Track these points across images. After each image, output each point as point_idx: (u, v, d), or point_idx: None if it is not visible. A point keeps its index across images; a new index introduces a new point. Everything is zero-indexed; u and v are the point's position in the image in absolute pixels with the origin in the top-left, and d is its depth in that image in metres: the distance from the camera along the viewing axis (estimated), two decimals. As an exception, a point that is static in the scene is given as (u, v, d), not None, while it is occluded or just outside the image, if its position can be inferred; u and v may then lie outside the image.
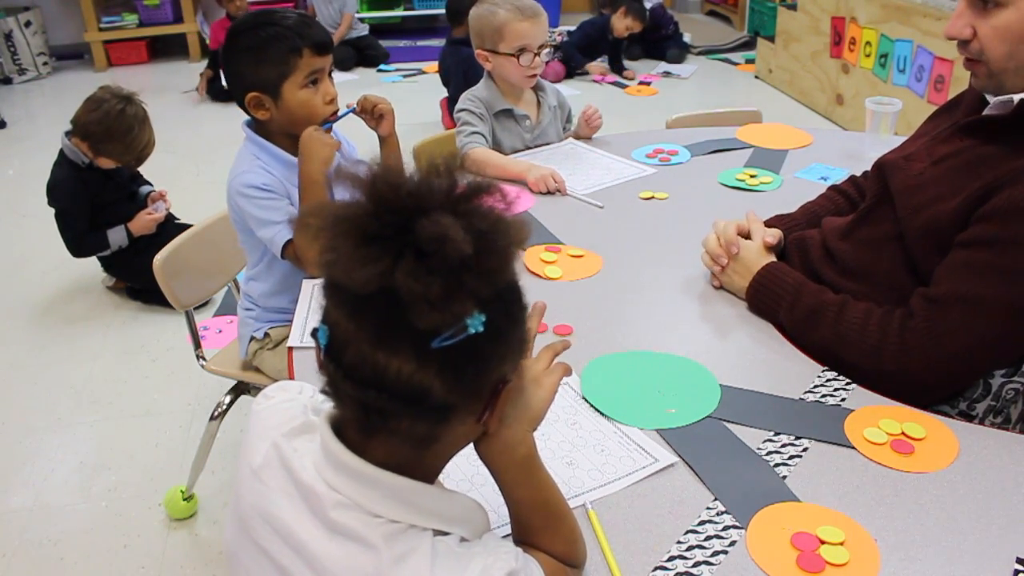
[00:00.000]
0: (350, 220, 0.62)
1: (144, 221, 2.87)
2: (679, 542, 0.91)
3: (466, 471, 1.02)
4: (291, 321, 1.38)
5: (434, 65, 5.04)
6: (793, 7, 5.04)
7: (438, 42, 6.36)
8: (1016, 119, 1.16)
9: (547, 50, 2.03)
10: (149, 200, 2.96)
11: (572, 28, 5.74)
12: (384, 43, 6.17)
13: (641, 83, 5.43)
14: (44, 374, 2.57)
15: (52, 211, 2.85)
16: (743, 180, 1.87)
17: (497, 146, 2.07)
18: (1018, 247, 1.11)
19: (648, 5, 5.71)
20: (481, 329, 0.63)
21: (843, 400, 1.14)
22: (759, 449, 1.05)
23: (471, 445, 0.79)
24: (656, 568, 0.88)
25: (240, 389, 1.89)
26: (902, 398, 1.15)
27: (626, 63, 5.68)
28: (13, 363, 2.64)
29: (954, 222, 1.17)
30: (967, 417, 1.21)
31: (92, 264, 2.99)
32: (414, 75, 5.73)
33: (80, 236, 2.84)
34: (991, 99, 1.22)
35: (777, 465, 1.02)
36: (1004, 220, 1.11)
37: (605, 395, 1.15)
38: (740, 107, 2.64)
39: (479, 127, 2.03)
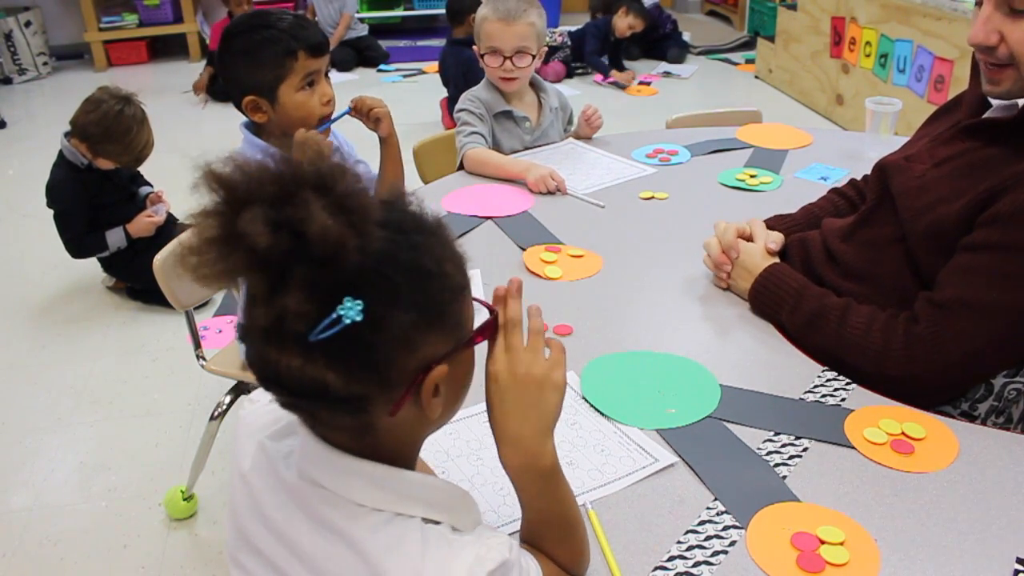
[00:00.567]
0: (200, 218, 0.61)
1: (143, 224, 2.87)
2: (679, 542, 0.91)
3: (466, 471, 1.02)
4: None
5: (434, 65, 5.05)
6: (793, 7, 5.04)
7: (438, 42, 6.36)
8: (1020, 122, 1.16)
9: (527, 58, 2.01)
10: (148, 201, 2.96)
11: (572, 28, 5.74)
12: (384, 43, 6.17)
13: (641, 83, 5.43)
14: (44, 374, 2.57)
15: (52, 211, 2.85)
16: (743, 180, 1.87)
17: (497, 147, 2.07)
18: (1022, 251, 1.10)
19: (647, 3, 5.71)
20: (359, 318, 0.61)
21: (843, 400, 1.14)
22: (759, 449, 1.05)
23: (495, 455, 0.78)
24: (656, 568, 0.88)
25: (240, 389, 1.89)
26: (903, 399, 1.15)
27: (626, 63, 5.68)
28: (13, 363, 2.64)
29: (957, 225, 1.17)
30: (969, 417, 1.21)
31: (92, 264, 2.99)
32: (414, 75, 5.73)
33: (79, 237, 2.84)
34: (994, 101, 1.22)
35: (777, 465, 1.02)
36: (1008, 224, 1.11)
37: (605, 395, 1.15)
38: (740, 107, 2.64)
39: (479, 127, 2.02)
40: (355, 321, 0.61)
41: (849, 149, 2.07)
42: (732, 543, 0.91)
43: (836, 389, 1.17)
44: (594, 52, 5.46)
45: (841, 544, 0.90)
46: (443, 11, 5.88)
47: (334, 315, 0.61)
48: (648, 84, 5.45)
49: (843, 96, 4.55)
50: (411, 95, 5.26)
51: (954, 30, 3.54)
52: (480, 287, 1.43)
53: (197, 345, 1.92)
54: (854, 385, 1.18)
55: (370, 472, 0.70)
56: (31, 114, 5.15)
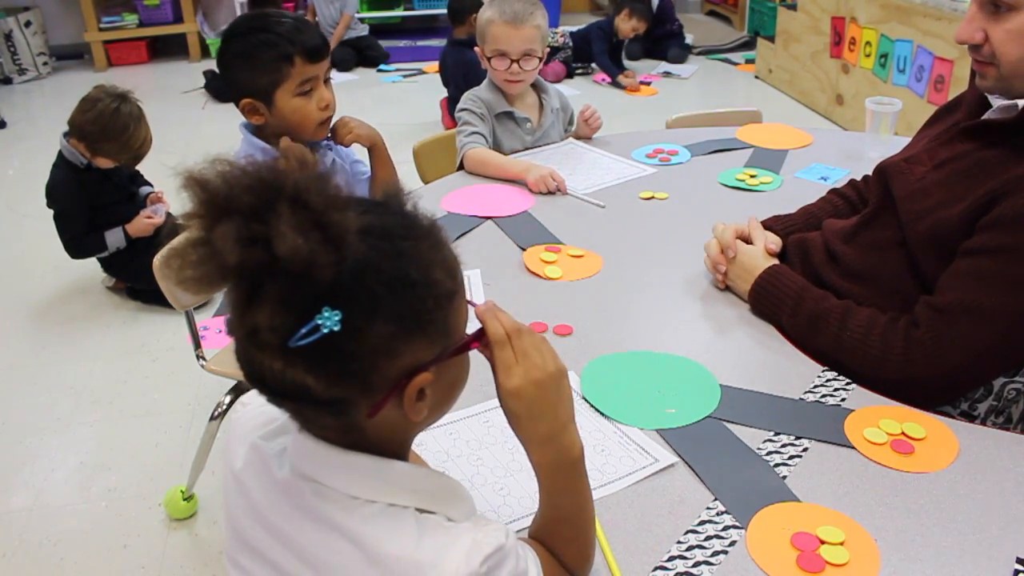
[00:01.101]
0: (185, 221, 0.62)
1: (142, 224, 2.87)
2: (679, 542, 0.91)
3: (466, 471, 1.02)
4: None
5: (434, 65, 5.04)
6: (793, 7, 5.04)
7: (438, 42, 6.36)
8: (1019, 124, 1.16)
9: (534, 60, 2.01)
10: (148, 201, 2.96)
11: (572, 29, 5.74)
12: (384, 43, 6.17)
13: (641, 83, 5.43)
14: (44, 374, 2.57)
15: (52, 211, 2.85)
16: (743, 180, 1.87)
17: (497, 147, 2.07)
18: (1022, 256, 1.10)
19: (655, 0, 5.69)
20: (337, 327, 0.61)
21: (843, 400, 1.14)
22: (759, 449, 1.05)
23: (521, 449, 0.78)
24: (656, 568, 0.88)
25: (240, 389, 1.89)
26: (903, 400, 1.15)
27: (626, 63, 5.68)
28: (13, 363, 2.64)
29: (958, 229, 1.17)
30: (969, 417, 1.21)
31: (92, 264, 2.99)
32: (414, 75, 5.73)
33: (78, 237, 2.84)
34: (994, 103, 1.22)
35: (777, 465, 1.02)
36: (1009, 229, 1.11)
37: (605, 395, 1.15)
38: (740, 107, 2.64)
39: (479, 127, 2.02)
40: (333, 330, 0.61)
41: (849, 149, 2.07)
42: (732, 543, 0.91)
43: (836, 389, 1.17)
44: (602, 54, 5.46)
45: (841, 544, 0.90)
46: (443, 11, 5.90)
47: (312, 324, 0.61)
48: (648, 84, 5.44)
49: (843, 96, 4.55)
50: (411, 95, 5.26)
51: (954, 30, 3.53)
52: (480, 287, 1.43)
53: (197, 345, 1.92)
54: (854, 385, 1.18)
55: (360, 464, 0.70)
56: (31, 114, 5.15)
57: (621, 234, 1.65)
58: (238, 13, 6.12)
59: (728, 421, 1.10)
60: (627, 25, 5.44)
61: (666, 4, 5.88)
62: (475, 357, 0.77)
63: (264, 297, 0.61)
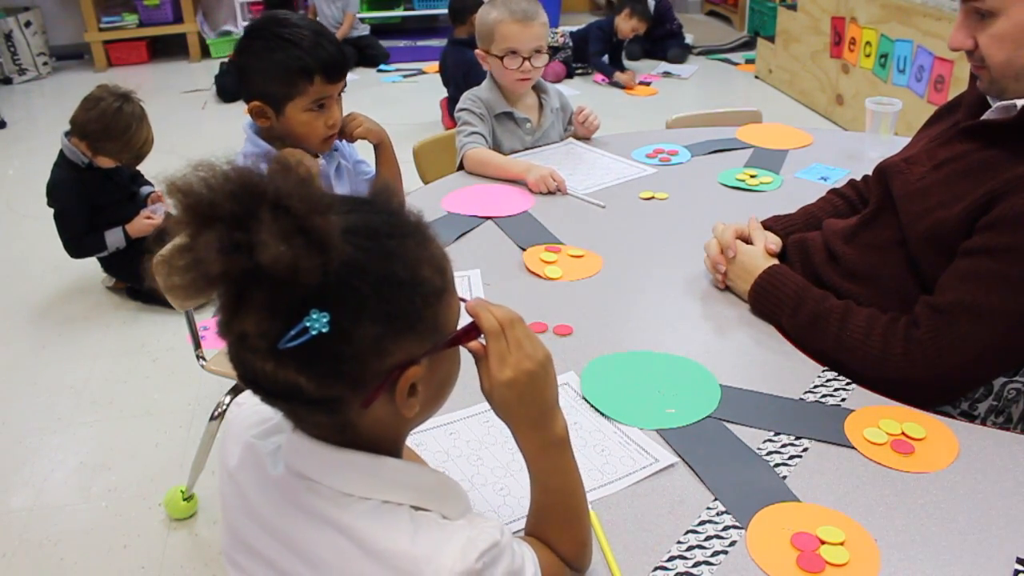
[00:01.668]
0: (173, 228, 0.63)
1: (141, 224, 2.87)
2: (679, 542, 0.91)
3: (466, 471, 1.02)
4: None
5: (434, 65, 5.04)
6: (793, 7, 5.04)
7: (438, 42, 6.36)
8: (1018, 125, 1.16)
9: (543, 56, 2.02)
10: (149, 201, 2.96)
11: (572, 29, 5.74)
12: (384, 43, 6.17)
13: (641, 83, 5.43)
14: (44, 374, 2.57)
15: (52, 211, 2.85)
16: (743, 180, 1.87)
17: (497, 147, 2.07)
18: (1022, 256, 1.10)
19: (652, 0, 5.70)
20: (325, 329, 0.62)
21: (843, 400, 1.14)
22: (759, 449, 1.05)
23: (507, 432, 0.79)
24: (656, 568, 0.88)
25: (240, 389, 1.88)
26: (903, 399, 1.15)
27: (626, 63, 5.68)
28: (13, 363, 2.64)
29: (957, 229, 1.17)
30: (969, 417, 1.21)
31: (92, 264, 2.99)
32: (414, 75, 5.73)
33: (78, 237, 2.84)
34: (992, 103, 1.22)
35: (777, 465, 1.02)
36: (1009, 229, 1.11)
37: (605, 395, 1.15)
38: (740, 107, 2.64)
39: (479, 127, 2.02)
40: (322, 332, 0.62)
41: (849, 149, 2.07)
42: (732, 543, 0.91)
43: (836, 389, 1.17)
44: (597, 54, 5.46)
45: (841, 544, 0.90)
46: (443, 11, 5.90)
47: (300, 326, 0.61)
48: (648, 84, 5.45)
49: (843, 96, 4.55)
50: (411, 95, 5.26)
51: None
52: (480, 287, 1.43)
53: (197, 345, 1.92)
54: (854, 385, 1.18)
55: (354, 461, 0.70)
56: (31, 114, 5.15)
57: (621, 234, 1.65)
58: (238, 13, 6.13)
59: (728, 421, 1.10)
60: (627, 25, 5.44)
61: (664, 5, 5.89)
62: (466, 357, 0.77)
63: (251, 303, 0.62)
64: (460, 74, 4.25)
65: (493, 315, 0.76)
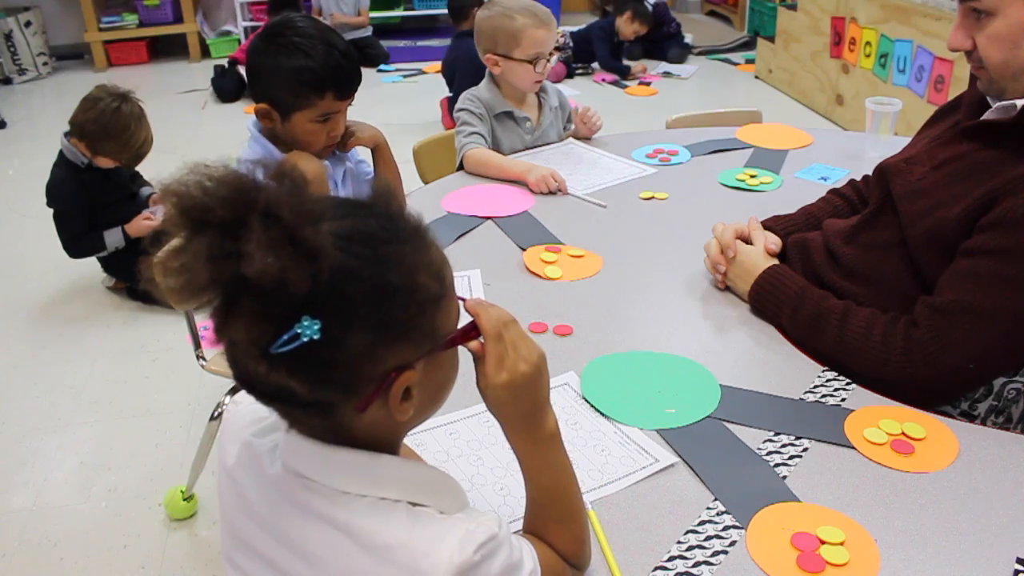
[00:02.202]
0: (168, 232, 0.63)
1: (140, 225, 2.87)
2: (679, 542, 0.91)
3: (466, 471, 1.02)
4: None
5: (435, 65, 5.04)
6: (793, 7, 5.04)
7: (438, 42, 6.36)
8: (1018, 125, 1.16)
9: (555, 55, 2.04)
10: (150, 201, 2.96)
11: (573, 29, 5.74)
12: (384, 43, 6.17)
13: (641, 83, 5.43)
14: (44, 374, 2.57)
15: (52, 211, 2.85)
16: (743, 180, 1.87)
17: (497, 147, 2.07)
18: (1022, 256, 1.10)
19: (651, 2, 5.71)
20: (317, 336, 0.62)
21: (843, 400, 1.14)
22: (759, 449, 1.05)
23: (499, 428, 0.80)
24: (656, 568, 0.88)
25: (239, 388, 1.89)
26: (903, 399, 1.15)
27: (627, 63, 5.68)
28: (13, 363, 2.64)
29: (957, 229, 1.17)
30: (969, 417, 1.21)
31: (92, 264, 2.99)
32: (414, 75, 5.73)
33: (77, 237, 2.84)
34: (992, 103, 1.22)
35: (777, 465, 1.02)
36: (1008, 229, 1.11)
37: (605, 395, 1.15)
38: (740, 107, 2.64)
39: (478, 127, 2.02)
40: (313, 339, 0.62)
41: (849, 149, 2.07)
42: (732, 543, 0.91)
43: (836, 389, 1.17)
44: (607, 57, 5.50)
45: (841, 544, 0.90)
46: (443, 11, 5.89)
47: (292, 332, 0.61)
48: (648, 84, 5.45)
49: (843, 96, 4.55)
50: (411, 95, 5.26)
51: (954, 30, 3.53)
52: (480, 287, 1.43)
53: (197, 345, 1.92)
54: (854, 385, 1.18)
55: (350, 459, 0.70)
56: (31, 114, 5.15)
57: (621, 234, 1.65)
58: (238, 13, 6.13)
59: (728, 421, 1.10)
60: (629, 28, 5.47)
61: (661, 8, 5.89)
62: (464, 358, 0.77)
63: (241, 310, 0.62)
64: (472, 67, 4.25)
65: (491, 317, 0.76)
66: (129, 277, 2.95)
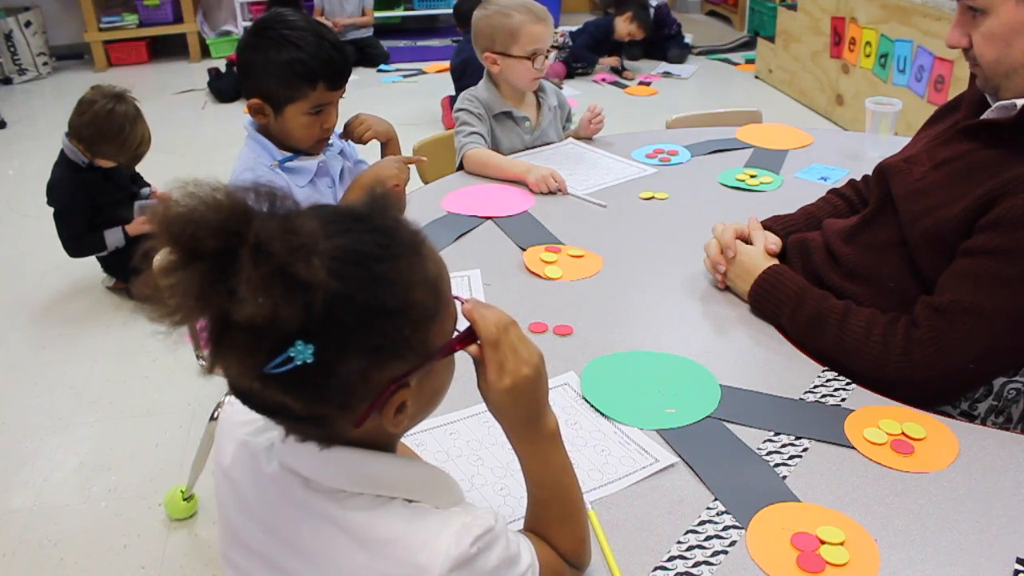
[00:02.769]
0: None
1: (141, 224, 2.87)
2: (679, 542, 0.91)
3: (466, 471, 1.02)
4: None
5: (434, 65, 5.04)
6: (793, 7, 5.04)
7: (438, 42, 6.36)
8: (1018, 124, 1.16)
9: (553, 52, 2.03)
10: (154, 198, 2.97)
11: (572, 29, 5.75)
12: (384, 43, 6.17)
13: (641, 83, 5.43)
14: (44, 374, 2.57)
15: (52, 211, 2.85)
16: (743, 180, 1.87)
17: (496, 147, 2.07)
18: (1022, 256, 1.10)
19: (653, 3, 5.72)
20: (310, 360, 0.61)
21: (843, 400, 1.14)
22: (759, 449, 1.05)
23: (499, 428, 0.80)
24: (656, 568, 0.88)
25: (240, 389, 1.89)
26: (903, 399, 1.15)
27: (626, 63, 5.69)
28: (13, 363, 2.64)
29: (957, 229, 1.17)
30: (969, 417, 1.21)
31: (92, 264, 2.99)
32: (414, 75, 5.73)
33: (77, 236, 2.84)
34: (992, 102, 1.22)
35: (777, 465, 1.02)
36: (1008, 229, 1.11)
37: (605, 395, 1.15)
38: (740, 107, 2.64)
39: (478, 127, 2.02)
40: (306, 362, 0.61)
41: (849, 149, 2.06)
42: (732, 543, 0.91)
43: (836, 389, 1.17)
44: (583, 46, 5.55)
45: (841, 544, 0.90)
46: (443, 11, 5.90)
47: (285, 355, 0.61)
48: (648, 84, 5.45)
49: (843, 96, 4.55)
50: (411, 95, 5.26)
51: (954, 30, 3.53)
52: (480, 287, 1.43)
53: (197, 346, 1.91)
54: (854, 385, 1.18)
55: (346, 458, 0.70)
56: (31, 114, 5.14)
57: (621, 234, 1.65)
58: (238, 13, 6.13)
59: (728, 421, 1.10)
60: (625, 28, 5.47)
61: (662, 10, 5.89)
62: (461, 361, 0.77)
63: (233, 342, 0.61)
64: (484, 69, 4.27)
65: (489, 321, 0.76)
66: (129, 277, 2.95)
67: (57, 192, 2.82)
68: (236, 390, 0.68)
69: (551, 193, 1.82)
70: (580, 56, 5.53)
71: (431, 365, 0.70)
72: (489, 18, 2.03)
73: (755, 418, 1.11)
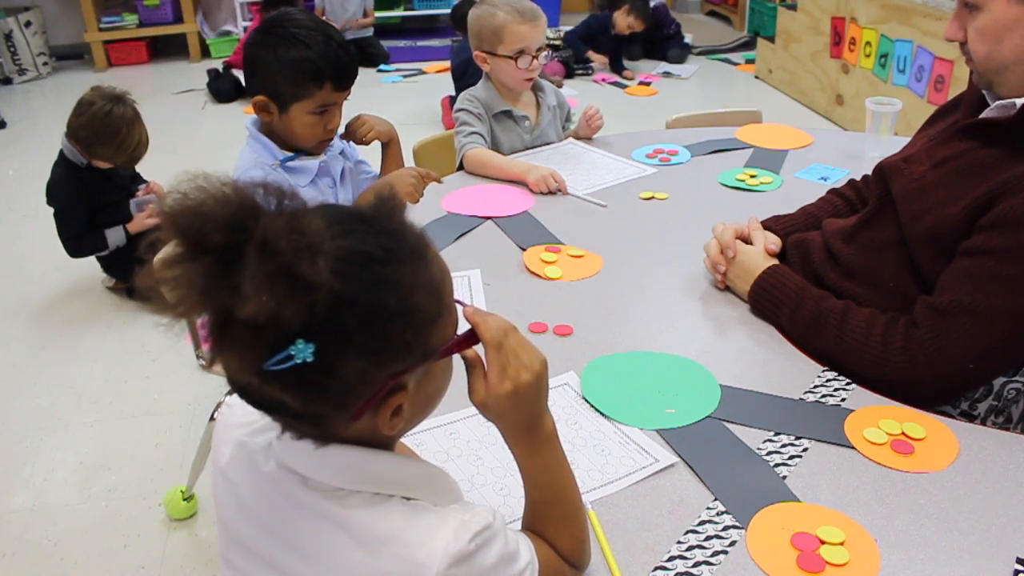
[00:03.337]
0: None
1: (142, 222, 2.87)
2: (679, 542, 0.91)
3: (466, 471, 1.02)
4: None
5: (434, 65, 5.04)
6: (793, 7, 5.04)
7: (438, 42, 6.36)
8: (1017, 124, 1.16)
9: (545, 52, 2.03)
10: (143, 192, 2.97)
11: (572, 28, 5.76)
12: (384, 43, 6.17)
13: (641, 83, 5.43)
14: (44, 374, 2.57)
15: (52, 211, 2.85)
16: (743, 180, 1.87)
17: (496, 147, 2.07)
18: (1022, 256, 1.10)
19: (651, 4, 5.72)
20: (310, 358, 0.61)
21: (843, 400, 1.14)
22: (759, 449, 1.05)
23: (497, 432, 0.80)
24: (656, 568, 0.88)
25: (239, 389, 1.88)
26: (903, 399, 1.15)
27: (626, 63, 5.69)
28: (13, 363, 2.64)
29: (957, 228, 1.17)
30: (968, 417, 1.21)
31: (92, 264, 2.99)
32: (414, 75, 5.73)
33: (77, 236, 2.84)
34: (991, 101, 1.22)
35: (777, 465, 1.02)
36: (1008, 229, 1.11)
37: (605, 395, 1.15)
38: (740, 107, 2.64)
39: (477, 127, 2.02)
40: (306, 360, 0.61)
41: (849, 149, 2.07)
42: (732, 543, 0.91)
43: (836, 389, 1.17)
44: (575, 35, 5.60)
45: (841, 544, 0.90)
46: (443, 11, 5.90)
47: (285, 353, 0.61)
48: (648, 84, 5.45)
49: (843, 96, 4.55)
50: (411, 95, 5.26)
51: (954, 30, 3.53)
52: (480, 287, 1.43)
53: (197, 345, 1.92)
54: (854, 385, 1.18)
55: (344, 456, 0.70)
56: (31, 114, 5.15)
57: (621, 234, 1.65)
58: (238, 13, 6.13)
59: (728, 421, 1.10)
60: (624, 21, 5.49)
61: (661, 9, 5.90)
62: (459, 362, 0.77)
63: (234, 338, 0.61)
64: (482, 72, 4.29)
65: (490, 326, 0.76)
66: (129, 277, 2.95)
67: (57, 192, 2.82)
68: (235, 384, 0.68)
69: (551, 193, 1.82)
70: (570, 43, 5.56)
71: (430, 368, 0.71)
72: (479, 17, 2.04)
73: (755, 418, 1.11)
